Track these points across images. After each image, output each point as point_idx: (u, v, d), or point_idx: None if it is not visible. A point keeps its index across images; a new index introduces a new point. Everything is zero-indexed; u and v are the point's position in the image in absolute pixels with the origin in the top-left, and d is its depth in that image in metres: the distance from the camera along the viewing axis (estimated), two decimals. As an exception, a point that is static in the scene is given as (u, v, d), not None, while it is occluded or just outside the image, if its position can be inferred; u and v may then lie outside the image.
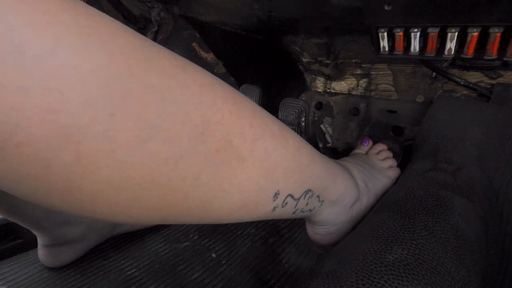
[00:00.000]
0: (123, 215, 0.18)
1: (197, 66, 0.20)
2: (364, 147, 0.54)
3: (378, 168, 0.47)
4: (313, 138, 0.68)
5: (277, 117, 0.61)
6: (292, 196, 0.27)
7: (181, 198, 0.19)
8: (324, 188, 0.33)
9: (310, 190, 0.30)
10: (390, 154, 0.52)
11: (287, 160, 0.25)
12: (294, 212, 0.30)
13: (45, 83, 0.12)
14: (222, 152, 0.20)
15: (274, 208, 0.26)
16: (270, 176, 0.24)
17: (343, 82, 0.70)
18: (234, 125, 0.20)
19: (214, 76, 0.21)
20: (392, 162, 0.50)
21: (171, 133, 0.17)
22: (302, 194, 0.29)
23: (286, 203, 0.27)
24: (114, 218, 0.18)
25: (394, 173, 0.48)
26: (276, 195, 0.25)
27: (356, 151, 0.54)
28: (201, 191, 0.19)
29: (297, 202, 0.29)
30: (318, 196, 0.32)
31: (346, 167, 0.41)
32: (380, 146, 0.53)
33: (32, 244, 0.50)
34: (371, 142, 0.55)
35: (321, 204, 0.34)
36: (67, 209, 0.16)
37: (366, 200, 0.41)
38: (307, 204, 0.31)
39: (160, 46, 0.18)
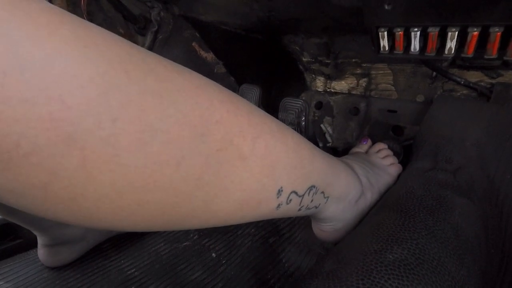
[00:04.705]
0: (127, 221, 0.18)
1: (192, 70, 0.20)
2: (363, 146, 0.54)
3: (379, 165, 0.47)
4: (313, 137, 0.68)
5: (277, 117, 0.62)
6: (296, 193, 0.27)
7: (184, 200, 0.19)
8: (328, 183, 0.32)
9: (314, 186, 0.30)
10: (390, 152, 0.52)
11: (288, 157, 0.25)
12: (299, 209, 0.30)
13: (46, 93, 0.13)
14: (223, 152, 0.20)
15: (279, 206, 0.26)
16: (271, 173, 0.24)
17: (343, 82, 0.70)
18: (233, 124, 0.20)
19: (209, 79, 0.21)
20: (392, 160, 0.50)
21: (171, 135, 0.17)
22: (306, 191, 0.29)
23: (291, 200, 0.27)
24: (118, 224, 0.18)
25: (395, 169, 0.48)
26: (279, 192, 0.25)
27: (356, 149, 0.54)
28: (203, 191, 0.19)
29: (302, 199, 0.29)
30: (322, 192, 0.32)
31: (347, 163, 0.41)
32: (380, 145, 0.53)
33: (32, 244, 0.49)
34: (369, 141, 0.55)
35: (327, 200, 0.34)
36: (71, 219, 0.17)
37: (370, 196, 0.41)
38: (312, 201, 0.31)
39: (155, 54, 0.19)
